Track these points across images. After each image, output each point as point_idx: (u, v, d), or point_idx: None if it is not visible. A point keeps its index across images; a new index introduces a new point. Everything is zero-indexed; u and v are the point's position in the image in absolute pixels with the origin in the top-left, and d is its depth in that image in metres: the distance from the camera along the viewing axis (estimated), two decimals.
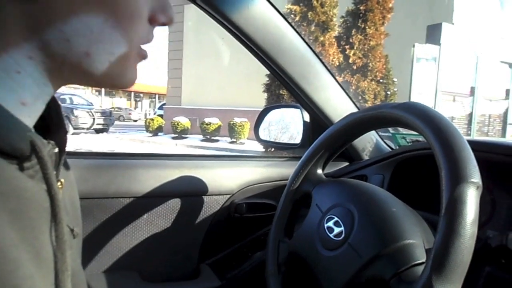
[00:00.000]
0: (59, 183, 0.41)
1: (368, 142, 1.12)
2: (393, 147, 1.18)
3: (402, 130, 1.11)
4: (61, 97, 14.25)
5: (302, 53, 0.99)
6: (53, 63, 0.36)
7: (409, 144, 1.16)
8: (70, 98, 15.00)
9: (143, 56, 0.43)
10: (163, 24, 0.44)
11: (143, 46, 0.43)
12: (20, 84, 0.35)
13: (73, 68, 0.37)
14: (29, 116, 0.37)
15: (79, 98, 15.79)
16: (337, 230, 0.68)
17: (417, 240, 0.60)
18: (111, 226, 0.91)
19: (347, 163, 1.16)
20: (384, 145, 1.15)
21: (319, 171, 0.83)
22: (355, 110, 1.09)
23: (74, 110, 13.67)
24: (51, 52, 0.35)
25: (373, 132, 1.13)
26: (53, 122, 0.43)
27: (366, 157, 1.13)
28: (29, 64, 0.35)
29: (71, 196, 0.49)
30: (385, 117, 0.69)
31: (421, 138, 1.07)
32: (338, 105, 1.07)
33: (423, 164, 0.92)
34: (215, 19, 0.90)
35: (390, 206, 0.66)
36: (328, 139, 0.81)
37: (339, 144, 0.81)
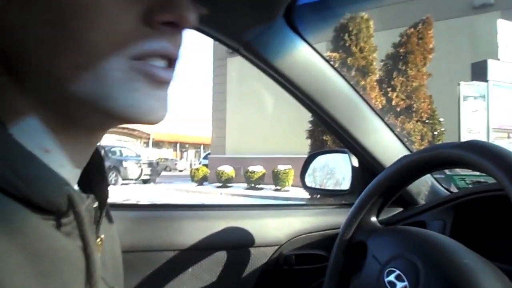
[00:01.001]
0: (98, 240, 0.39)
1: (423, 185, 1.05)
2: (451, 189, 1.10)
3: (460, 171, 1.03)
4: (112, 149, 15.03)
5: (347, 96, 0.97)
6: (46, 98, 0.32)
7: (470, 185, 1.08)
8: (120, 151, 15.76)
9: (148, 72, 0.32)
10: (173, 26, 0.33)
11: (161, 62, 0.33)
12: (37, 130, 0.33)
13: (54, 96, 0.32)
14: (61, 166, 0.34)
15: (128, 150, 16.56)
16: (400, 285, 0.61)
17: None
18: (156, 280, 0.89)
19: (401, 209, 1.08)
20: (441, 188, 1.07)
21: (373, 218, 0.78)
22: (407, 152, 1.03)
23: (123, 162, 14.30)
24: (36, 85, 0.32)
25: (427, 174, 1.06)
26: (95, 175, 0.42)
27: (422, 202, 1.05)
28: (41, 107, 0.33)
29: (112, 251, 0.47)
30: (445, 158, 0.64)
31: (483, 179, 0.98)
32: (388, 148, 1.02)
33: (490, 207, 0.84)
34: (258, 66, 0.90)
35: (460, 257, 0.59)
36: (381, 184, 0.76)
37: (393, 190, 0.76)
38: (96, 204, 0.38)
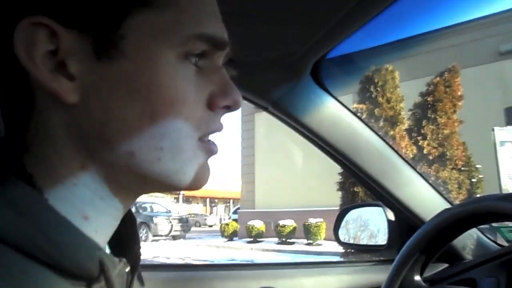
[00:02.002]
0: None
1: (468, 239, 0.99)
2: (498, 241, 1.03)
3: (508, 222, 0.97)
4: (143, 205, 15.21)
5: (378, 149, 0.95)
6: (105, 171, 0.35)
7: None
8: (151, 207, 15.89)
9: (208, 149, 0.37)
10: (228, 109, 0.38)
11: (212, 137, 0.39)
12: (78, 196, 0.34)
13: (126, 174, 0.35)
14: (96, 232, 0.35)
15: (158, 206, 16.68)
16: None
17: None
18: None
19: (446, 265, 1.01)
20: (489, 241, 1.00)
21: (417, 277, 0.74)
22: (446, 205, 0.98)
23: (154, 218, 14.36)
24: (100, 158, 0.34)
25: None
26: (128, 237, 0.42)
27: (468, 257, 0.98)
28: (84, 174, 0.34)
29: None
30: (491, 211, 0.60)
31: None
32: (426, 200, 0.98)
33: None
34: (286, 123, 0.91)
35: None
36: (422, 239, 0.72)
37: (437, 245, 0.72)
38: (128, 268, 0.37)
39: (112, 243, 0.40)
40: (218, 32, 0.36)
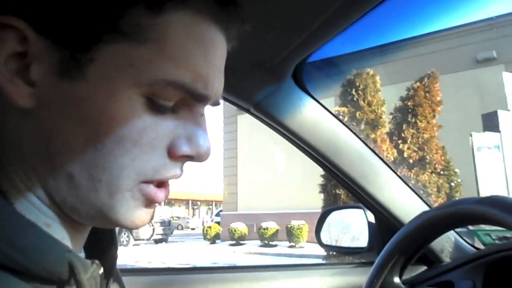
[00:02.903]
0: None
1: (447, 241, 1.01)
2: (475, 245, 1.05)
3: (485, 226, 0.99)
4: None
5: (359, 152, 0.96)
6: (48, 190, 0.34)
7: (495, 241, 1.03)
8: None
9: (149, 197, 0.35)
10: (189, 158, 0.36)
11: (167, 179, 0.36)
12: (36, 206, 0.34)
13: (64, 198, 0.33)
14: (63, 238, 0.34)
15: None
16: None
17: None
18: None
19: (425, 267, 1.03)
20: (466, 244, 1.02)
21: (397, 279, 0.74)
22: (425, 207, 1.00)
23: None
24: (43, 175, 0.33)
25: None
26: (104, 239, 0.42)
27: (446, 259, 1.00)
28: (33, 188, 0.34)
29: None
30: (467, 214, 0.61)
31: (510, 234, 0.94)
32: (405, 203, 0.99)
33: None
34: (269, 125, 0.91)
35: None
36: (401, 242, 0.73)
37: (415, 247, 0.73)
38: (101, 270, 0.36)
39: (88, 245, 0.40)
40: (196, 84, 0.34)
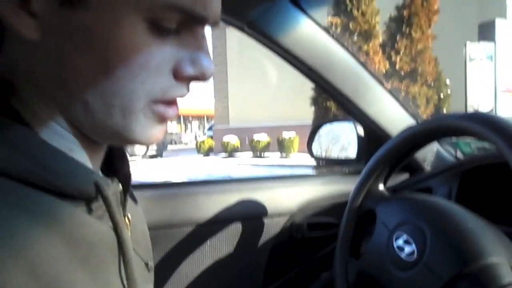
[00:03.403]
0: (126, 219, 0.43)
1: (429, 152, 1.08)
2: (456, 155, 1.12)
3: (466, 138, 1.05)
4: None
5: (351, 68, 0.98)
6: (65, 115, 0.36)
7: (475, 151, 1.10)
8: None
9: (161, 114, 0.37)
10: (194, 79, 0.38)
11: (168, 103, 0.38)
12: (57, 132, 0.36)
13: (82, 122, 0.36)
14: (84, 160, 0.38)
15: None
16: (408, 249, 0.65)
17: (501, 258, 0.56)
18: (177, 255, 0.93)
19: (407, 175, 1.11)
20: (447, 154, 1.09)
21: (381, 186, 0.81)
22: (411, 121, 1.05)
23: None
24: (60, 100, 0.35)
25: None
26: (117, 159, 0.45)
27: (428, 168, 1.08)
28: (52, 114, 0.36)
29: (142, 230, 0.51)
30: (448, 128, 0.66)
31: (488, 145, 1.00)
32: (393, 116, 1.04)
33: (493, 173, 0.87)
34: (262, 43, 0.91)
35: (465, 222, 0.63)
36: (387, 154, 0.79)
37: (399, 158, 0.79)
38: (120, 187, 0.41)
39: (102, 166, 0.44)
40: (195, 6, 0.34)
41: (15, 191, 0.30)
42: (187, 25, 0.36)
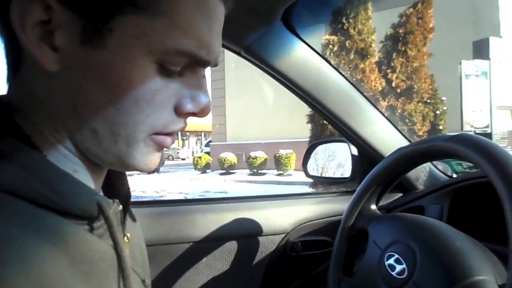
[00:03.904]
0: (125, 238, 0.45)
1: (422, 171, 1.10)
2: (449, 174, 1.14)
3: None
4: None
5: (344, 91, 1.01)
6: (73, 140, 0.39)
7: (466, 170, 1.13)
8: None
9: (159, 143, 0.41)
10: (192, 114, 0.41)
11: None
12: (65, 155, 0.39)
13: (88, 148, 0.39)
14: (87, 181, 0.40)
15: None
16: (399, 268, 0.66)
17: (488, 276, 0.58)
18: (173, 271, 0.94)
19: (400, 194, 1.13)
20: (439, 173, 1.12)
21: (373, 206, 0.83)
22: (404, 142, 1.08)
23: None
24: (70, 127, 0.38)
25: None
26: (117, 181, 0.48)
27: (421, 187, 1.10)
28: (62, 138, 0.39)
29: (140, 247, 0.53)
30: (438, 151, 0.69)
31: None
32: (386, 138, 1.07)
33: (483, 191, 0.89)
34: (259, 67, 0.95)
35: (453, 241, 0.65)
36: (379, 174, 0.81)
37: (391, 179, 0.81)
38: (120, 207, 0.43)
39: (103, 187, 0.46)
40: (201, 51, 0.38)
41: (26, 211, 0.33)
42: (191, 67, 0.40)
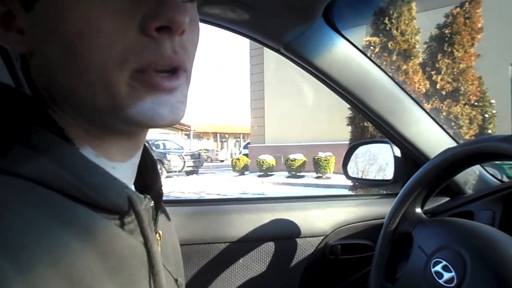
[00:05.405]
0: (157, 235, 0.44)
1: (471, 174, 1.04)
2: (500, 178, 1.07)
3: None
4: (155, 143, 15.50)
5: (388, 89, 0.97)
6: (73, 113, 0.37)
7: None
8: (163, 144, 16.18)
9: (151, 83, 0.35)
10: (167, 30, 0.34)
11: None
12: (90, 143, 0.38)
13: (85, 114, 0.37)
14: (119, 176, 0.38)
15: (171, 143, 16.96)
16: (447, 275, 0.62)
17: None
18: (209, 272, 0.94)
19: (447, 198, 1.08)
20: (490, 177, 1.05)
21: (418, 209, 0.79)
22: (451, 143, 1.02)
23: (167, 155, 14.68)
24: (65, 103, 0.37)
25: None
26: (149, 176, 0.47)
27: (469, 191, 1.04)
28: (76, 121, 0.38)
29: (173, 246, 0.52)
30: (490, 152, 0.64)
31: None
32: (432, 139, 1.02)
33: None
34: (298, 65, 0.93)
35: (508, 249, 0.60)
36: (424, 176, 0.77)
37: (438, 181, 0.77)
38: (152, 203, 0.42)
39: (136, 184, 0.46)
40: None
41: (58, 203, 0.33)
42: None
